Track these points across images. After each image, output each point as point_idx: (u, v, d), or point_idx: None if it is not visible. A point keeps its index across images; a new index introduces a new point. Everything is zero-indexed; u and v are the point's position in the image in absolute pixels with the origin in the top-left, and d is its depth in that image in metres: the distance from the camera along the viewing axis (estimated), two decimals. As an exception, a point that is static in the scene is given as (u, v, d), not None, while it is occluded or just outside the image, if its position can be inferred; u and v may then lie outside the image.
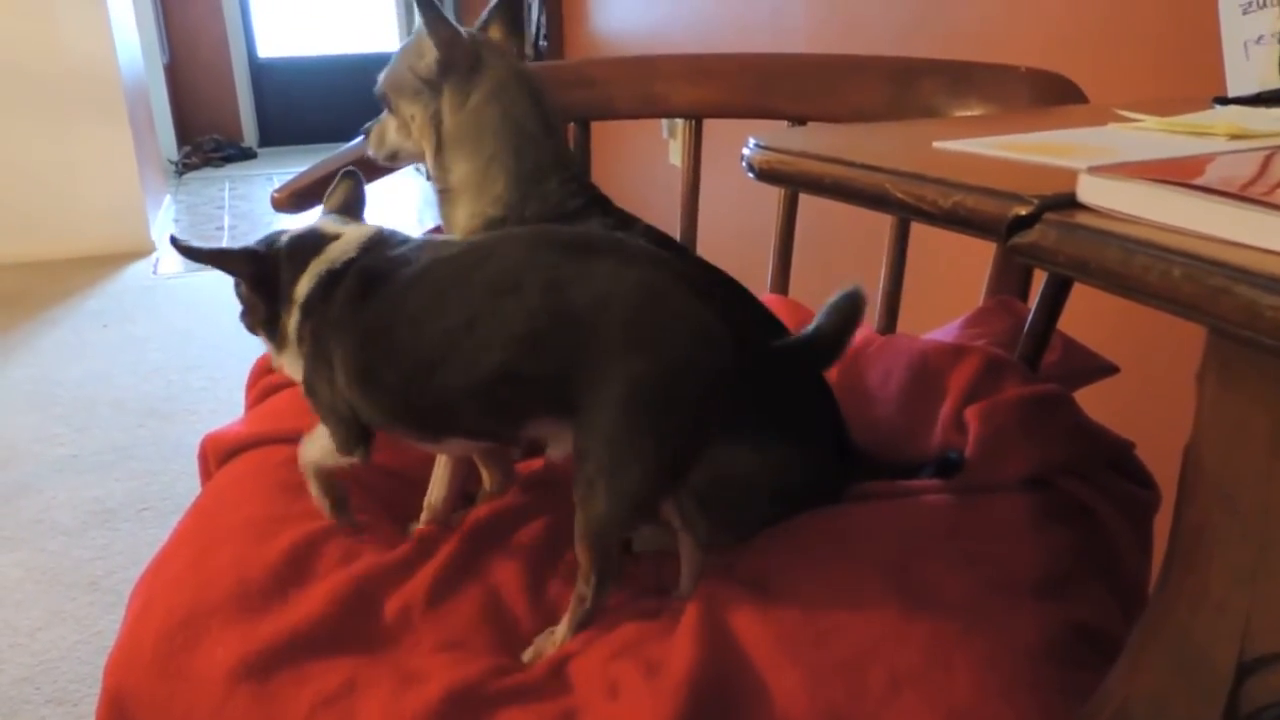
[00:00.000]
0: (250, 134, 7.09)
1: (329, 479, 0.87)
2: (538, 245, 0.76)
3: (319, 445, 0.85)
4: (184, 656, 0.76)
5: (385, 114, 1.01)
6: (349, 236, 0.85)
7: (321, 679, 0.72)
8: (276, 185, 1.20)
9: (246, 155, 6.67)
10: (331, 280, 0.82)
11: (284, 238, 0.86)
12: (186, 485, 2.10)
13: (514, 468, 0.94)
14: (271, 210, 4.11)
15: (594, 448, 0.71)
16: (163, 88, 5.95)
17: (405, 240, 0.85)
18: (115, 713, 0.78)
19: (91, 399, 2.58)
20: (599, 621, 0.76)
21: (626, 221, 0.93)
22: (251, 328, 0.88)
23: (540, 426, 0.77)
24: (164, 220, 4.61)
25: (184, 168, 6.07)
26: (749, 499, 0.84)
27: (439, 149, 0.96)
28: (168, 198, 5.06)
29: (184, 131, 6.44)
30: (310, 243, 0.85)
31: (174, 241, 0.84)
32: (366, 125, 1.03)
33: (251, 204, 5.11)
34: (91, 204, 4.01)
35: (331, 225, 0.87)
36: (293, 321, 0.84)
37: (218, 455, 1.00)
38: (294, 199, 1.10)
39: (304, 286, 0.83)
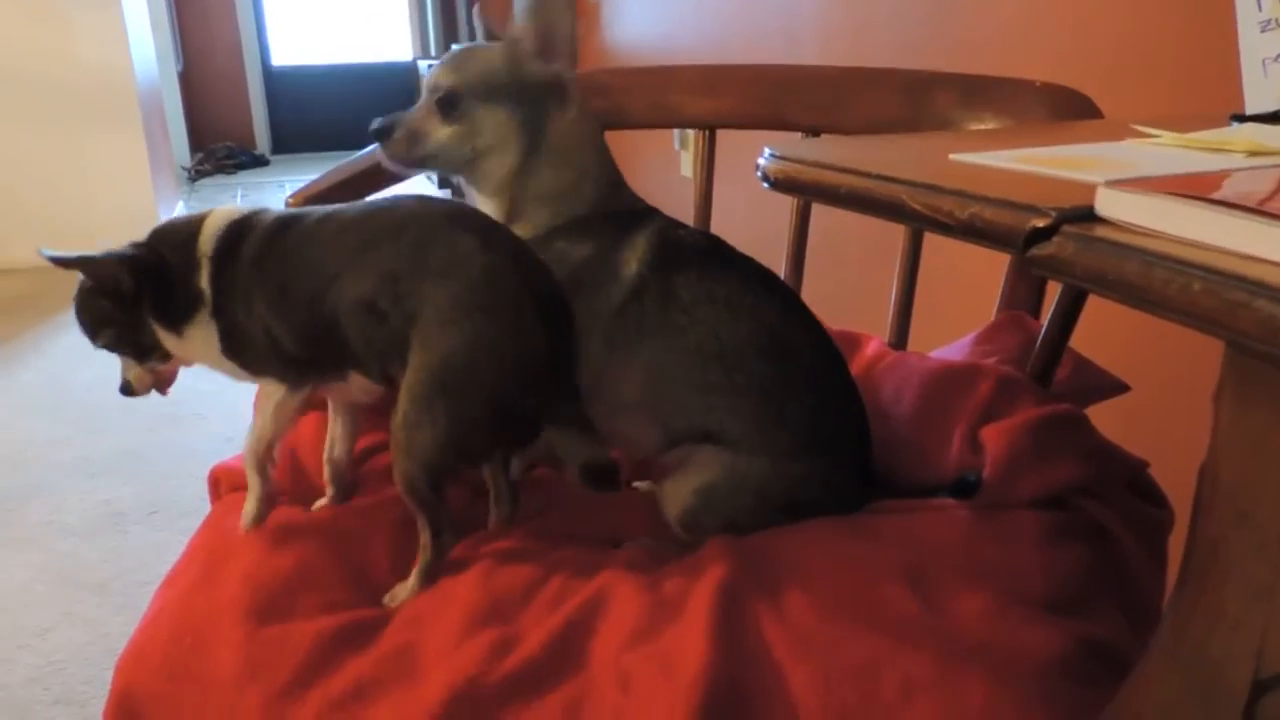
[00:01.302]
0: (263, 141, 7.14)
1: (264, 469, 0.91)
2: (430, 206, 0.84)
3: (257, 425, 0.89)
4: (193, 659, 0.77)
5: (424, 114, 0.94)
6: (217, 211, 0.90)
7: (329, 682, 0.73)
8: (288, 192, 1.21)
9: (259, 162, 6.71)
10: (239, 229, 0.87)
11: (158, 228, 0.91)
12: (195, 489, 2.10)
13: (518, 498, 0.93)
14: (284, 217, 4.05)
15: (402, 403, 0.80)
16: (177, 95, 5.99)
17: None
18: (124, 713, 0.78)
19: (102, 403, 2.59)
20: (610, 602, 0.76)
21: (678, 225, 0.97)
22: (117, 340, 0.89)
23: (397, 371, 0.83)
24: (176, 226, 4.64)
25: (197, 174, 6.10)
26: (756, 508, 0.85)
27: (527, 156, 0.93)
28: (180, 204, 5.08)
29: (197, 138, 6.49)
30: (183, 221, 0.90)
31: (42, 252, 0.87)
32: (380, 125, 0.95)
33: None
34: (105, 210, 4.04)
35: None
36: (204, 279, 0.86)
37: (229, 485, 1.00)
38: (308, 204, 1.10)
39: (207, 244, 0.86)
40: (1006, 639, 0.69)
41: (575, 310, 0.83)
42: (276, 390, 0.88)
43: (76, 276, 0.88)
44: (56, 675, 1.56)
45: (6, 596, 1.77)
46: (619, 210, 0.95)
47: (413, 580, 0.82)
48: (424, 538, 0.82)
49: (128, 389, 0.93)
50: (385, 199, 0.89)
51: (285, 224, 0.87)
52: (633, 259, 0.89)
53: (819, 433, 0.89)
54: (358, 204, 0.91)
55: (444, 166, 0.98)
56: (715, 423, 0.87)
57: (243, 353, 0.88)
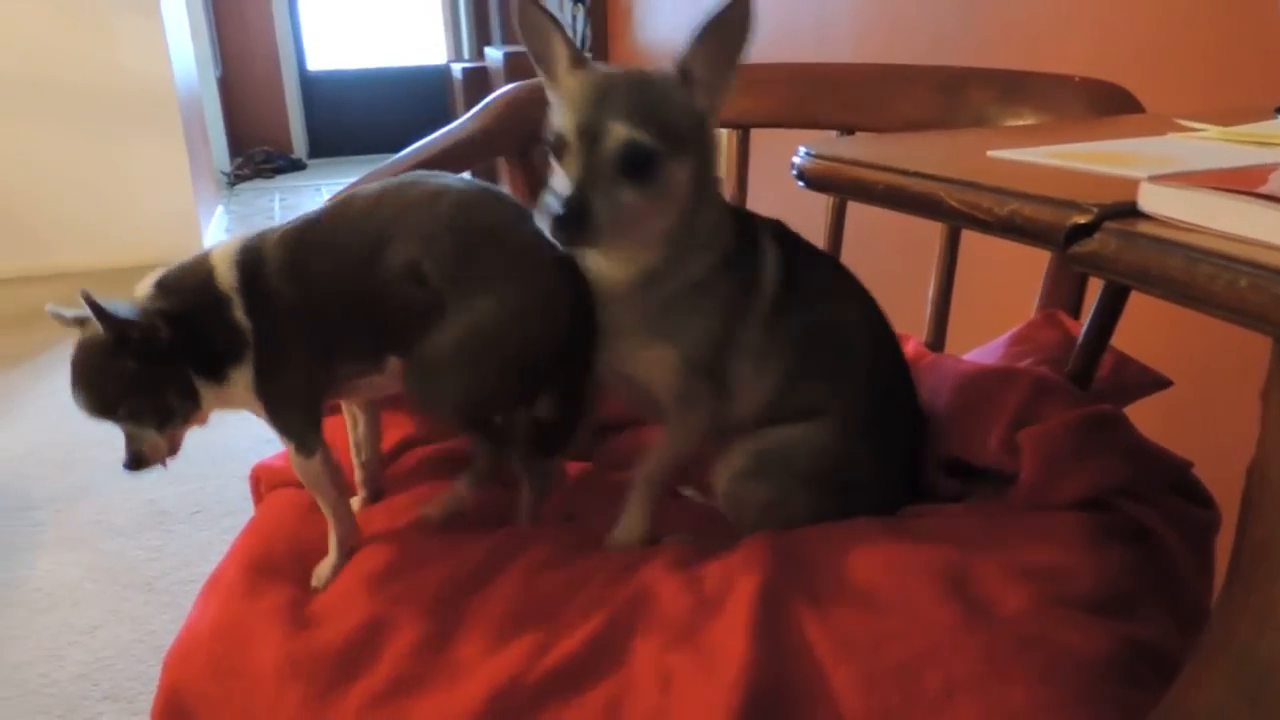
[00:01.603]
0: (300, 145, 7.22)
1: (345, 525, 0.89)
2: (456, 182, 0.85)
3: (323, 506, 0.88)
4: (237, 657, 0.78)
5: (609, 180, 0.73)
6: (216, 248, 0.86)
7: (371, 677, 0.74)
8: (325, 196, 1.21)
9: (296, 166, 6.79)
10: (252, 254, 0.84)
11: (161, 281, 0.84)
12: (237, 489, 2.14)
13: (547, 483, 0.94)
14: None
15: (428, 358, 0.82)
16: (216, 101, 6.08)
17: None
18: (172, 708, 0.79)
19: (146, 405, 2.63)
20: (651, 600, 0.76)
21: (770, 222, 0.94)
22: (140, 408, 0.83)
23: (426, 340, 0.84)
24: (216, 230, 4.70)
25: (236, 179, 6.19)
26: (806, 481, 0.85)
27: (693, 203, 0.80)
28: (220, 208, 5.16)
29: (236, 143, 6.58)
30: (188, 266, 0.85)
31: (54, 311, 0.86)
32: (566, 211, 0.72)
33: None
34: (147, 215, 4.11)
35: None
36: (239, 313, 0.82)
37: (269, 484, 1.02)
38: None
39: (228, 278, 0.83)
40: (1050, 639, 0.68)
41: (736, 332, 0.84)
42: (298, 461, 0.87)
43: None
44: (105, 671, 1.59)
45: (56, 594, 1.81)
46: (744, 229, 0.88)
47: (467, 479, 0.89)
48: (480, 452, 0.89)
49: (139, 462, 0.85)
50: (404, 176, 0.89)
51: (300, 227, 0.87)
52: (770, 270, 0.86)
53: (885, 418, 0.90)
54: (368, 185, 0.89)
55: (621, 239, 0.78)
56: (811, 403, 0.87)
57: (276, 384, 0.85)
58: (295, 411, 0.86)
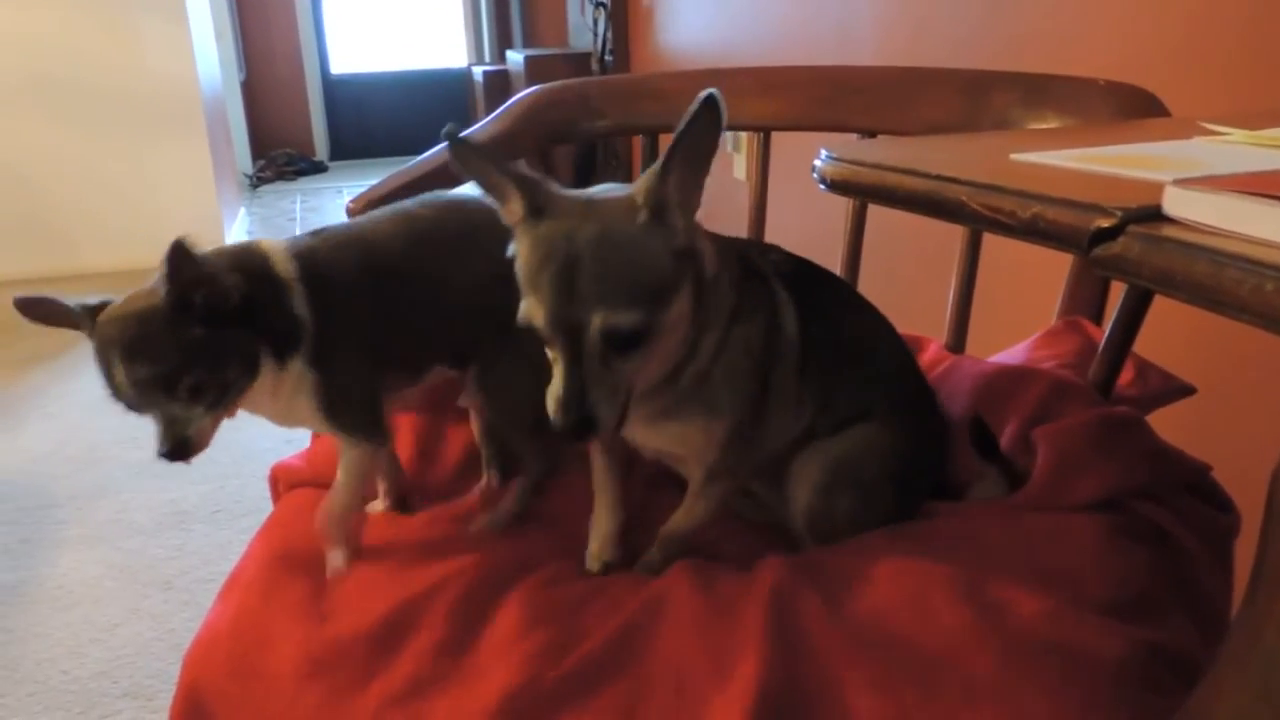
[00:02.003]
0: (321, 148, 7.27)
1: (345, 525, 0.87)
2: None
3: (343, 496, 0.87)
4: (256, 656, 0.78)
5: (602, 370, 0.68)
6: (262, 241, 0.84)
7: (389, 676, 0.74)
8: (346, 198, 1.22)
9: (318, 169, 6.83)
10: (313, 254, 0.83)
11: (219, 268, 0.77)
12: (257, 489, 2.15)
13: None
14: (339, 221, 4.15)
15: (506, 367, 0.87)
16: (239, 103, 6.13)
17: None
18: (191, 706, 0.80)
19: (168, 404, 2.66)
20: (668, 604, 0.76)
21: (766, 249, 0.91)
22: (201, 382, 0.76)
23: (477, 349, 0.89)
24: (239, 232, 4.74)
25: (258, 181, 6.23)
26: (877, 478, 0.85)
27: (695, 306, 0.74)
28: (242, 210, 5.20)
29: (258, 146, 6.62)
30: (238, 249, 0.82)
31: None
32: (582, 428, 0.68)
33: (322, 216, 5.23)
34: (171, 216, 4.14)
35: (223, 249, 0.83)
36: (300, 304, 0.80)
37: (288, 483, 1.02)
38: (369, 209, 1.12)
39: (287, 268, 0.81)
40: (1068, 643, 0.68)
41: (771, 380, 0.81)
42: (356, 452, 0.86)
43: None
44: (124, 669, 1.60)
45: (77, 592, 1.83)
46: (745, 271, 0.83)
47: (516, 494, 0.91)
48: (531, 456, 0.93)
49: (184, 449, 0.77)
50: (447, 198, 0.91)
51: (361, 235, 0.87)
52: (787, 311, 0.83)
53: (920, 407, 0.91)
54: (422, 203, 0.91)
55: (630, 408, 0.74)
56: (852, 411, 0.87)
57: (333, 380, 0.82)
58: (353, 407, 0.85)
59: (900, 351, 0.94)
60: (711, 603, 0.75)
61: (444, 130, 0.70)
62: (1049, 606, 0.70)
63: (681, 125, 0.66)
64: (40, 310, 0.80)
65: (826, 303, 0.90)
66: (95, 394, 0.78)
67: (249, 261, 0.80)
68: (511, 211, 0.71)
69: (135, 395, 0.75)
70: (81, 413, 2.60)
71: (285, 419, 0.86)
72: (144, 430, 0.82)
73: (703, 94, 0.66)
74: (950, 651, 0.68)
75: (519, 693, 0.70)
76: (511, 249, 0.71)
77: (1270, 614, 0.48)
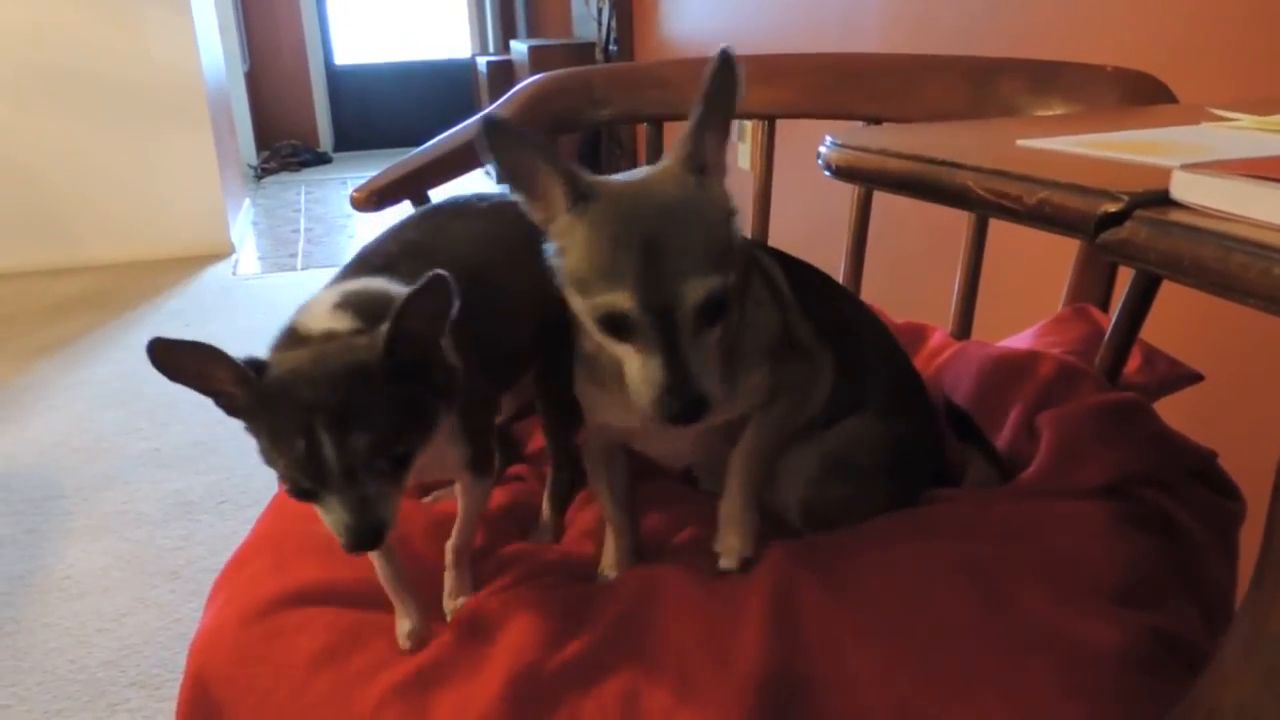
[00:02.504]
0: (326, 139, 7.26)
1: (468, 564, 0.83)
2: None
3: (467, 529, 0.82)
4: (264, 644, 0.79)
5: (701, 343, 0.66)
6: (371, 281, 0.76)
7: (395, 668, 0.74)
8: (351, 189, 1.22)
9: (322, 160, 6.82)
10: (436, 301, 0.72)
11: (352, 304, 0.71)
12: (263, 480, 2.15)
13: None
14: (345, 214, 4.17)
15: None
16: (243, 94, 6.12)
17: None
18: (198, 694, 0.80)
19: (173, 396, 2.62)
20: (667, 592, 0.76)
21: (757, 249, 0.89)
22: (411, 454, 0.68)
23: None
24: (243, 223, 4.74)
25: (262, 172, 6.23)
26: (868, 468, 0.84)
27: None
28: (247, 201, 5.20)
29: (263, 137, 6.62)
30: (375, 292, 0.74)
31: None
32: (689, 409, 0.65)
33: (326, 207, 5.22)
34: (175, 207, 4.14)
35: (337, 298, 0.74)
36: (451, 352, 0.72)
37: None
38: (374, 198, 1.12)
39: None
40: (1072, 629, 0.68)
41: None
42: (482, 488, 0.82)
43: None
44: (132, 658, 1.61)
45: (84, 582, 1.84)
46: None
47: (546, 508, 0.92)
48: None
49: (379, 533, 0.66)
50: (477, 199, 0.89)
51: (448, 250, 0.83)
52: (778, 273, 0.83)
53: (912, 395, 0.90)
54: (460, 207, 0.90)
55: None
56: (848, 400, 0.86)
57: (477, 418, 0.77)
58: (489, 444, 0.80)
59: (887, 339, 0.93)
60: (712, 591, 0.76)
61: (481, 118, 0.66)
62: (1051, 593, 0.70)
63: (704, 85, 0.67)
64: (179, 360, 0.67)
65: (813, 282, 0.89)
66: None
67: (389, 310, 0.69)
68: (548, 204, 0.68)
69: (341, 469, 0.63)
70: (86, 404, 2.61)
71: (421, 474, 0.76)
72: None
73: (719, 51, 0.67)
74: (951, 638, 0.68)
75: (523, 680, 0.70)
76: (551, 247, 0.69)
77: (1277, 600, 0.48)
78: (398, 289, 0.72)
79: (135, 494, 2.16)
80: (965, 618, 0.69)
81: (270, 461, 0.66)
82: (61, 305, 3.57)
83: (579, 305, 0.68)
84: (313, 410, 0.63)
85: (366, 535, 0.65)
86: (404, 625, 0.77)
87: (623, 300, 0.64)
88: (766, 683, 0.67)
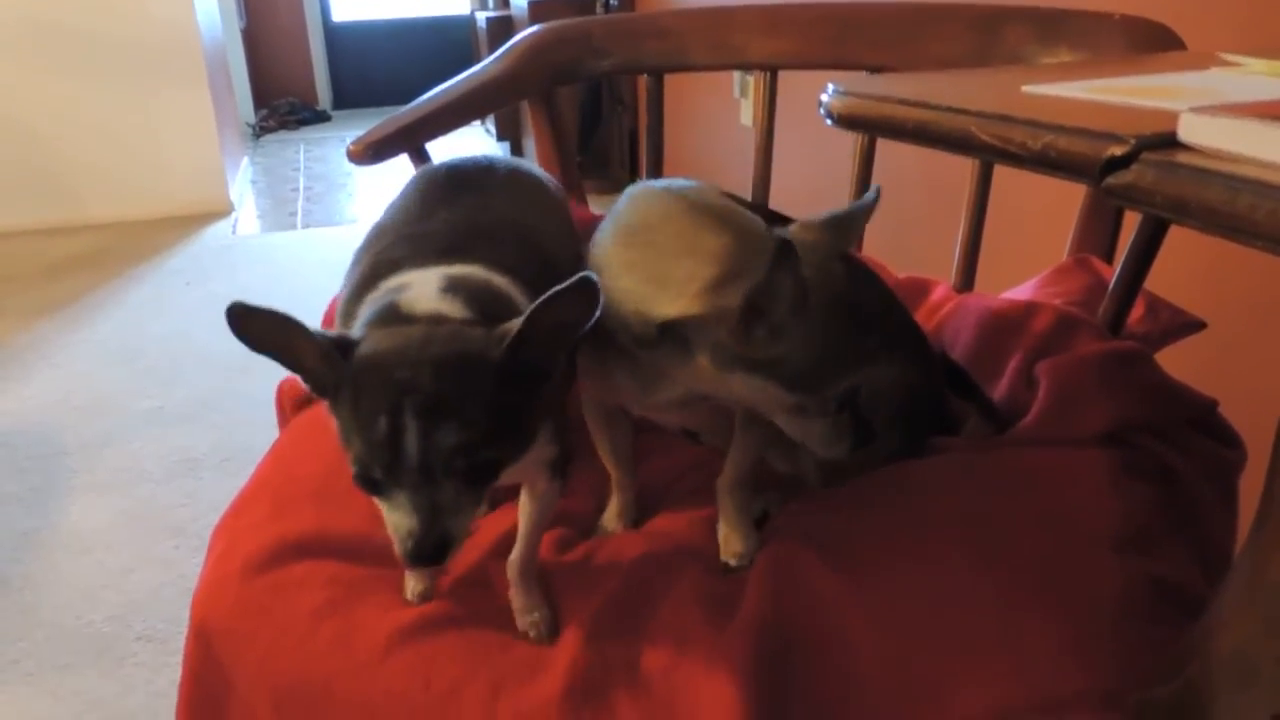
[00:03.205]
0: (324, 97, 7.19)
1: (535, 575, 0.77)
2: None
3: (532, 536, 0.76)
4: (266, 597, 0.79)
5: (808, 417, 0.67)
6: (473, 269, 0.69)
7: (398, 620, 0.74)
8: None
9: (321, 118, 6.76)
10: (536, 286, 0.65)
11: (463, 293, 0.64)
12: (266, 437, 2.16)
13: None
14: (345, 172, 4.13)
15: None
16: (240, 52, 6.05)
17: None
18: (202, 646, 0.81)
19: (176, 354, 2.65)
20: (667, 566, 0.77)
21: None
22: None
23: None
24: (242, 181, 4.71)
25: (261, 130, 6.17)
26: (898, 417, 0.83)
27: None
28: (245, 160, 5.16)
29: (260, 95, 6.55)
30: (480, 281, 0.68)
31: None
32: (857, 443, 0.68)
33: (326, 165, 5.18)
34: (173, 166, 4.11)
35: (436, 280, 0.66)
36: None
37: (293, 401, 1.02)
38: (370, 151, 1.11)
39: (523, 302, 0.67)
40: (1069, 579, 0.68)
41: None
42: (553, 489, 0.75)
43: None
44: (138, 613, 1.62)
45: (89, 539, 1.85)
46: None
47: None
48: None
49: (446, 547, 0.59)
50: (486, 160, 0.84)
51: (503, 217, 0.78)
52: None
53: (916, 343, 0.89)
54: (482, 166, 0.84)
55: None
56: None
57: (557, 424, 0.71)
58: (565, 440, 0.74)
59: (885, 291, 0.93)
60: (709, 565, 0.76)
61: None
62: (1049, 543, 0.70)
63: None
64: (256, 328, 0.61)
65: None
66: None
67: (498, 308, 0.64)
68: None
69: (420, 462, 0.57)
70: (88, 362, 2.61)
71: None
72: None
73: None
74: (950, 592, 0.68)
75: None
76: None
77: (1276, 547, 0.48)
78: (501, 279, 0.68)
79: (139, 452, 2.17)
80: (962, 571, 0.70)
81: (346, 443, 0.59)
82: (61, 264, 3.56)
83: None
84: (406, 390, 0.57)
85: (429, 548, 0.58)
86: (416, 585, 0.76)
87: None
88: (764, 643, 0.67)
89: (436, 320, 0.62)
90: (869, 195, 0.69)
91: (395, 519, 0.59)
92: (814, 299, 0.62)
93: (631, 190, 0.75)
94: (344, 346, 0.60)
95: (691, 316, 0.63)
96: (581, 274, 0.58)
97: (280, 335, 0.60)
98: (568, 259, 0.75)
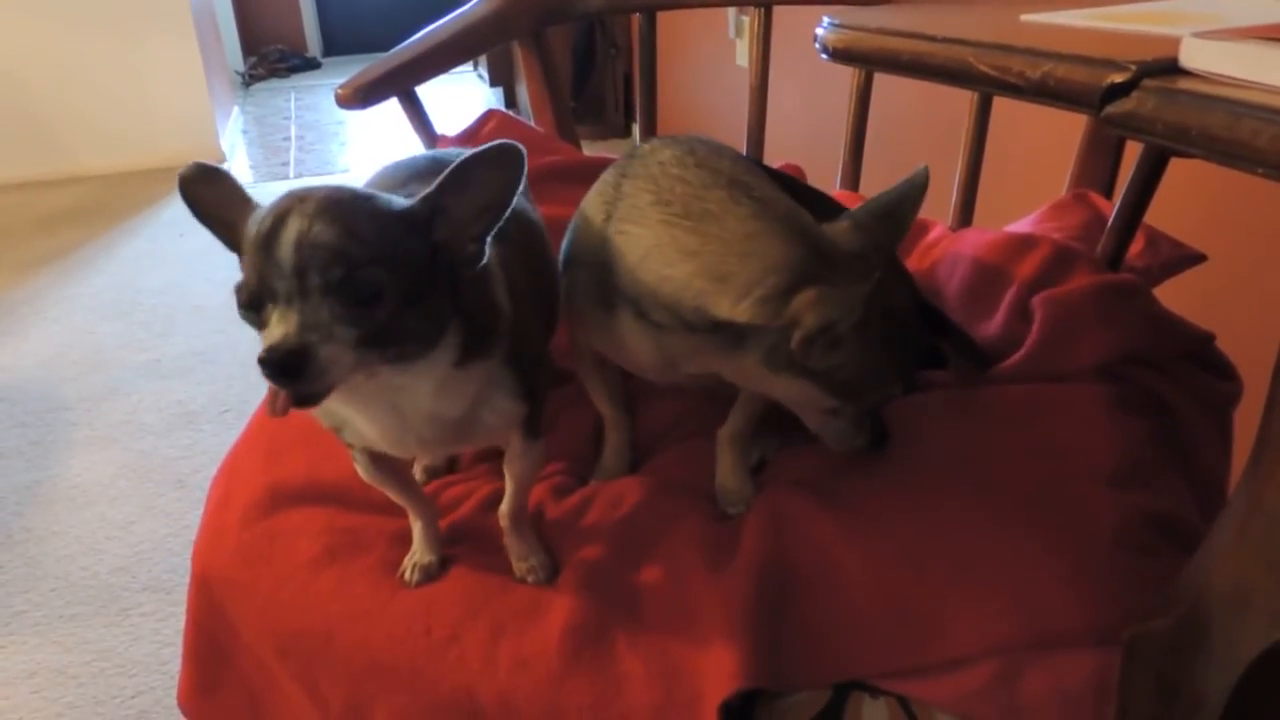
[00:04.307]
0: (314, 44, 7.07)
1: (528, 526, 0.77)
2: None
3: (521, 493, 0.75)
4: (265, 544, 0.79)
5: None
6: None
7: (397, 562, 0.75)
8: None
9: (311, 65, 6.66)
10: (512, 242, 0.70)
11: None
12: (262, 388, 2.16)
13: None
14: (337, 120, 4.07)
15: None
16: (227, -2, 5.95)
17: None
18: (204, 595, 0.81)
19: (171, 306, 2.65)
20: (660, 494, 0.77)
21: None
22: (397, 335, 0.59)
23: None
24: (233, 131, 4.65)
25: (250, 79, 6.09)
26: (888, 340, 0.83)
27: None
28: (236, 109, 5.09)
29: (249, 43, 6.45)
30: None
31: None
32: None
33: (318, 114, 5.12)
34: (163, 116, 4.06)
35: None
36: (501, 291, 0.68)
37: None
38: (359, 94, 1.09)
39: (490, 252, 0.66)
40: (1062, 512, 0.68)
41: None
42: (538, 448, 0.75)
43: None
44: (142, 564, 1.63)
45: (92, 491, 1.86)
46: None
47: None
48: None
49: (301, 362, 0.54)
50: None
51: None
52: None
53: (899, 269, 0.88)
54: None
55: None
56: None
57: (531, 380, 0.69)
58: (542, 400, 0.73)
59: (901, 269, 0.91)
60: (708, 514, 0.76)
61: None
62: (1043, 478, 0.70)
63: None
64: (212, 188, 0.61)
65: (792, 185, 0.86)
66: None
67: None
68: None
69: (295, 268, 0.54)
70: (84, 316, 2.60)
71: (471, 437, 0.72)
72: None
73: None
74: (945, 528, 0.68)
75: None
76: None
77: (1273, 478, 0.48)
78: None
79: (138, 405, 2.17)
80: (957, 508, 0.70)
81: (237, 286, 0.57)
82: (53, 217, 3.53)
83: None
84: (300, 199, 0.56)
85: (283, 362, 0.53)
86: (422, 557, 0.75)
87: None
88: (762, 583, 0.67)
89: None
90: (917, 176, 0.65)
91: (266, 336, 0.55)
92: (870, 318, 0.62)
93: (659, 155, 0.70)
94: None
95: (755, 323, 0.63)
96: (501, 141, 0.57)
97: (221, 201, 0.61)
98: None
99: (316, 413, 0.63)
